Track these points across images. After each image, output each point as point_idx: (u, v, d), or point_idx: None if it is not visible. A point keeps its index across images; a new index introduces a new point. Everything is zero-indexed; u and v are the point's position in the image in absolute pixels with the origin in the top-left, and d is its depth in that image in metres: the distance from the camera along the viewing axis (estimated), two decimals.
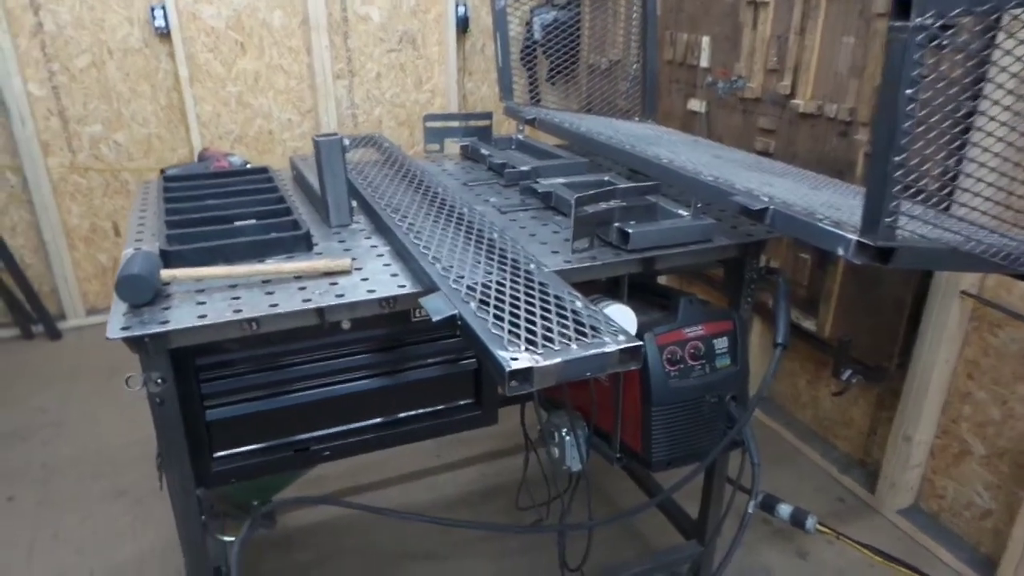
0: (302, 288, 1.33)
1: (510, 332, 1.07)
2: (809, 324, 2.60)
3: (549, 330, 1.09)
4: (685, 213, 1.62)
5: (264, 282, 1.36)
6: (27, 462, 2.73)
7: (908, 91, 1.15)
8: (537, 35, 3.94)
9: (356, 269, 1.43)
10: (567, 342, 1.05)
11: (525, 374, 0.99)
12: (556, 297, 1.20)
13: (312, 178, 1.83)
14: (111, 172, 3.70)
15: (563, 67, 3.91)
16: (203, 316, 1.22)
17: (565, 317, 1.13)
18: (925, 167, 1.26)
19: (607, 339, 1.06)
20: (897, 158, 1.20)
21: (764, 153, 2.64)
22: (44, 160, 3.53)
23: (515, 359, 1.00)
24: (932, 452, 2.40)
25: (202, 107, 3.75)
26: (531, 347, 1.03)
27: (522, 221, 1.72)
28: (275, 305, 1.26)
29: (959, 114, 1.91)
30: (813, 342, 2.66)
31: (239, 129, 3.86)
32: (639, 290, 1.77)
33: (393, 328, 1.49)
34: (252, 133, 3.90)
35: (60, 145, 3.56)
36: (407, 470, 2.70)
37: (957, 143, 1.98)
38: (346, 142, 1.61)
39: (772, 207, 1.47)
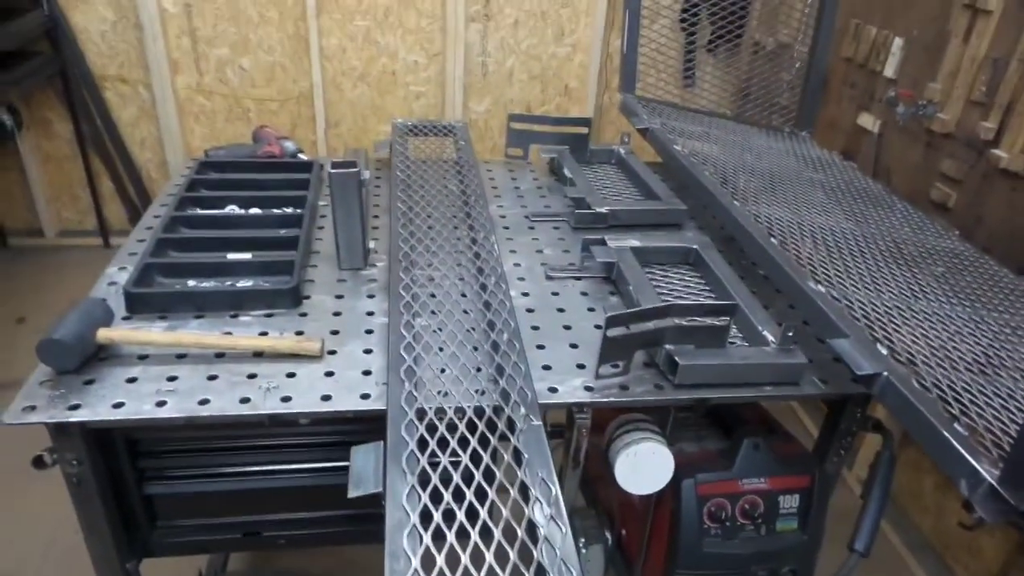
0: (252, 377, 1.11)
1: (425, 557, 0.79)
2: None
3: (479, 561, 0.79)
4: (772, 338, 1.21)
5: (217, 356, 1.15)
6: None
7: None
8: None
9: (330, 352, 1.18)
10: None
11: None
12: (521, 487, 0.89)
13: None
14: (234, 97, 3.66)
15: (726, 35, 3.34)
16: (120, 405, 1.03)
17: (513, 536, 0.83)
18: None
19: None
20: None
21: (940, 206, 2.05)
22: (172, 79, 3.54)
23: None
24: None
25: (327, 40, 3.58)
26: None
27: (567, 297, 1.38)
28: (206, 402, 1.05)
29: None
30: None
31: (362, 67, 3.67)
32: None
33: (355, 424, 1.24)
34: (375, 72, 3.70)
35: (188, 65, 3.55)
36: None
37: None
38: (365, 175, 1.33)
39: (885, 375, 1.04)
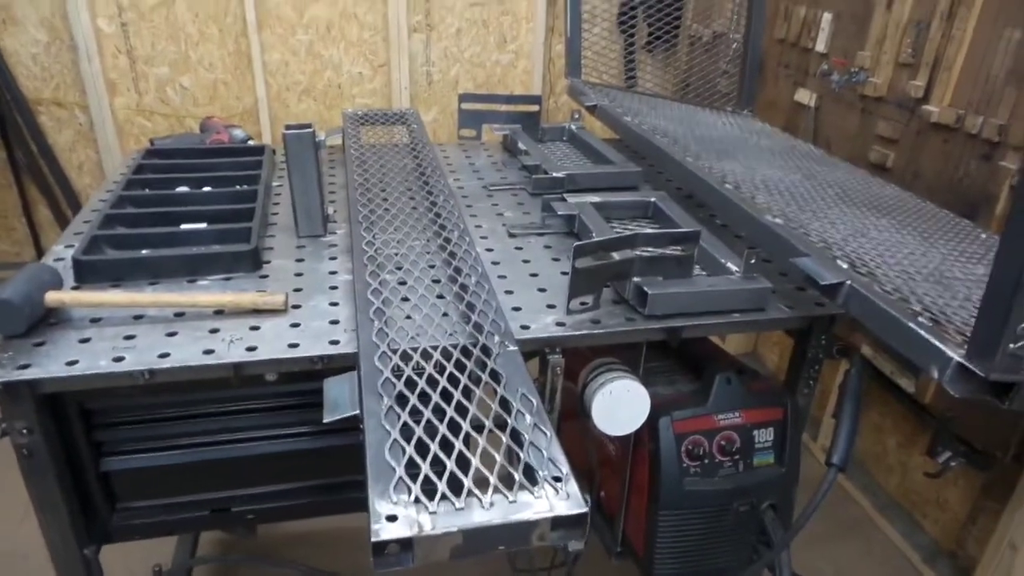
0: (214, 331, 1.07)
1: (410, 464, 0.76)
2: (906, 383, 2.13)
3: (465, 466, 0.77)
4: (735, 268, 1.23)
5: (177, 315, 1.11)
6: None
7: None
8: None
9: (294, 307, 1.15)
10: (480, 495, 0.73)
11: (402, 546, 0.69)
12: (501, 402, 0.88)
13: None
14: (176, 117, 3.60)
15: (664, 35, 3.44)
16: (74, 363, 0.98)
17: (498, 442, 0.81)
18: None
19: (536, 496, 0.73)
20: None
21: (879, 167, 2.13)
22: (110, 100, 3.46)
23: (392, 518, 0.70)
24: None
25: (270, 55, 3.55)
26: (425, 500, 0.72)
27: (530, 250, 1.38)
28: (166, 355, 1.01)
29: None
30: (909, 404, 2.18)
31: (307, 80, 3.65)
32: (664, 346, 1.40)
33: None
34: (320, 86, 3.68)
35: (127, 85, 3.48)
36: None
37: None
38: (320, 136, 1.32)
39: (848, 283, 1.07)
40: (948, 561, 2.20)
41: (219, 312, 1.12)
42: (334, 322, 1.11)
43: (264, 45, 3.51)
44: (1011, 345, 0.83)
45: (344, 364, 1.03)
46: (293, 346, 1.04)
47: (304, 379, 1.15)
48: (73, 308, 1.09)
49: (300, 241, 1.39)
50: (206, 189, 1.50)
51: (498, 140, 2.02)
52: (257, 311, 1.12)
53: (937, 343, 0.91)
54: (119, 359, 0.99)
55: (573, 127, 2.00)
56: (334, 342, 1.06)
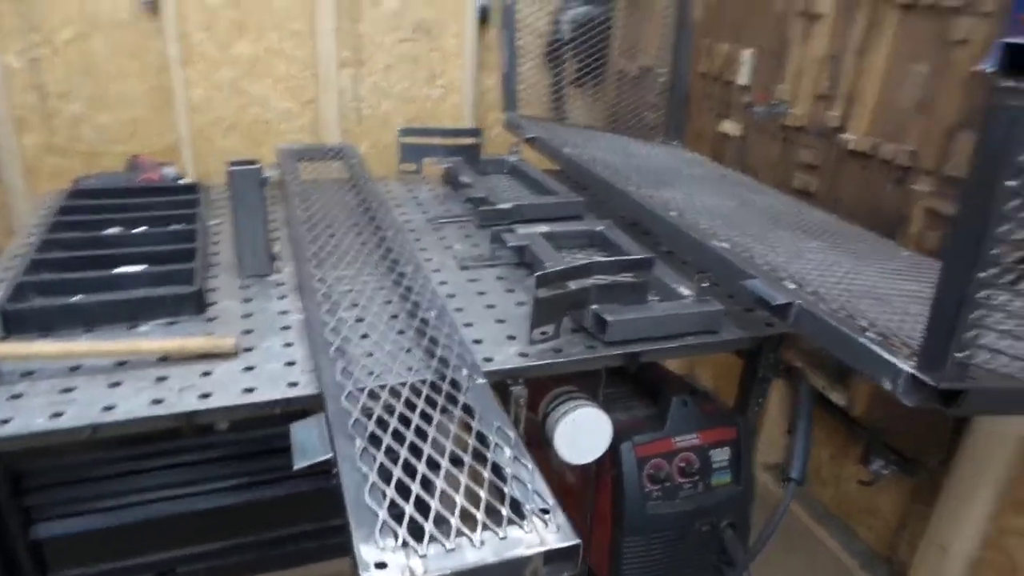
0: (162, 379, 1.01)
1: (392, 506, 0.74)
2: (837, 397, 2.22)
3: (450, 504, 0.75)
4: (687, 292, 1.26)
5: (119, 364, 1.04)
6: None
7: (1012, 183, 0.78)
8: (566, 32, 3.56)
9: (245, 350, 1.10)
10: (468, 533, 0.71)
11: None
12: (479, 437, 0.86)
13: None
14: (93, 155, 3.43)
15: (591, 70, 3.54)
16: (6, 421, 0.91)
17: (480, 478, 0.80)
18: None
19: (526, 531, 0.72)
20: (984, 273, 0.83)
21: (803, 192, 2.24)
22: (18, 138, 3.27)
23: (382, 565, 0.67)
24: (973, 565, 2.01)
25: (193, 91, 3.45)
26: (412, 541, 0.70)
27: (484, 283, 1.38)
28: (111, 408, 0.94)
29: None
30: (841, 417, 2.27)
31: (232, 117, 3.56)
32: (621, 373, 1.41)
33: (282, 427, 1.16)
34: (246, 122, 3.59)
35: (37, 122, 3.30)
36: None
37: None
38: (266, 173, 1.28)
39: (798, 303, 1.11)
40: (884, 567, 2.29)
41: (165, 359, 1.06)
42: (290, 363, 1.07)
43: (187, 81, 3.40)
44: (957, 355, 0.88)
45: (304, 407, 1.00)
46: (249, 391, 1.00)
47: (257, 426, 1.10)
48: (1, 362, 1.01)
49: (245, 281, 1.34)
50: (141, 229, 1.43)
51: (439, 174, 2.02)
52: (206, 356, 1.07)
53: (889, 356, 0.96)
54: (57, 415, 0.92)
55: (513, 159, 2.02)
56: (293, 384, 1.02)
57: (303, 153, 1.97)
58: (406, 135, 1.93)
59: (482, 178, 1.92)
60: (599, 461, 1.25)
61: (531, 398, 1.23)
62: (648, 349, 1.17)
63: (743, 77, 2.48)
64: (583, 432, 1.19)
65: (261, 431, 1.13)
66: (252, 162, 1.27)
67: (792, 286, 1.16)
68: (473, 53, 3.82)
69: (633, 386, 1.42)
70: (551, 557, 0.70)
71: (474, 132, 1.96)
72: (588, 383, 1.28)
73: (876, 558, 2.32)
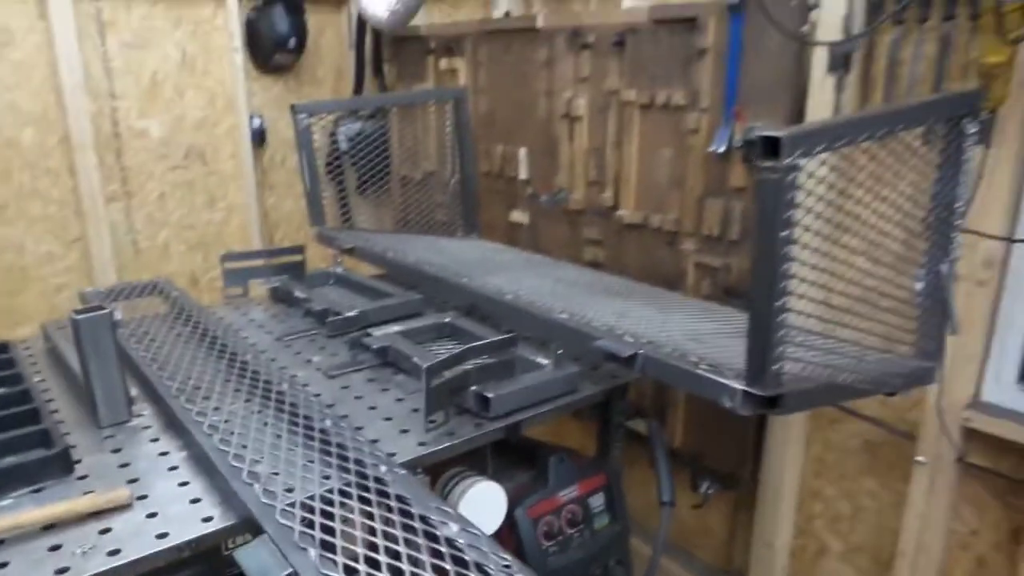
0: (55, 548, 0.94)
1: None
2: None
3: None
4: (544, 361, 1.43)
5: None
6: None
7: (785, 233, 1.06)
8: (343, 146, 3.73)
9: (139, 498, 1.05)
10: None
11: None
12: (423, 520, 0.93)
13: (73, 356, 1.41)
14: None
15: (373, 179, 3.72)
16: None
17: (439, 554, 0.86)
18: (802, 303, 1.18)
19: None
20: (779, 302, 1.10)
21: (594, 263, 2.58)
22: None
23: None
24: (793, 553, 2.36)
25: None
26: None
27: (357, 387, 1.43)
28: None
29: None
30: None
31: None
32: (499, 445, 1.53)
33: (198, 567, 1.11)
34: None
35: None
36: None
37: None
38: (118, 315, 1.24)
39: (641, 352, 1.33)
40: None
41: (50, 527, 0.98)
42: (195, 500, 1.04)
43: None
44: (773, 368, 1.14)
45: (217, 542, 0.98)
46: (163, 536, 0.96)
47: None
48: None
49: (103, 432, 1.25)
50: None
51: (265, 295, 2.03)
52: (98, 513, 1.00)
53: (724, 380, 1.19)
54: None
55: (339, 270, 2.10)
56: (208, 519, 0.99)
57: (112, 294, 1.86)
58: (228, 260, 1.92)
59: (313, 291, 1.96)
60: (497, 532, 1.34)
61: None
62: (527, 416, 1.31)
63: (523, 172, 2.82)
64: (482, 506, 1.28)
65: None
66: (100, 307, 1.22)
67: (631, 339, 1.38)
68: (252, 174, 3.83)
69: (510, 456, 1.54)
70: None
71: (298, 250, 2.01)
72: (475, 460, 1.38)
73: (715, 572, 2.61)
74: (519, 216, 2.89)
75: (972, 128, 1.34)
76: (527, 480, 1.45)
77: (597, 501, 1.48)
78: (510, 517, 1.35)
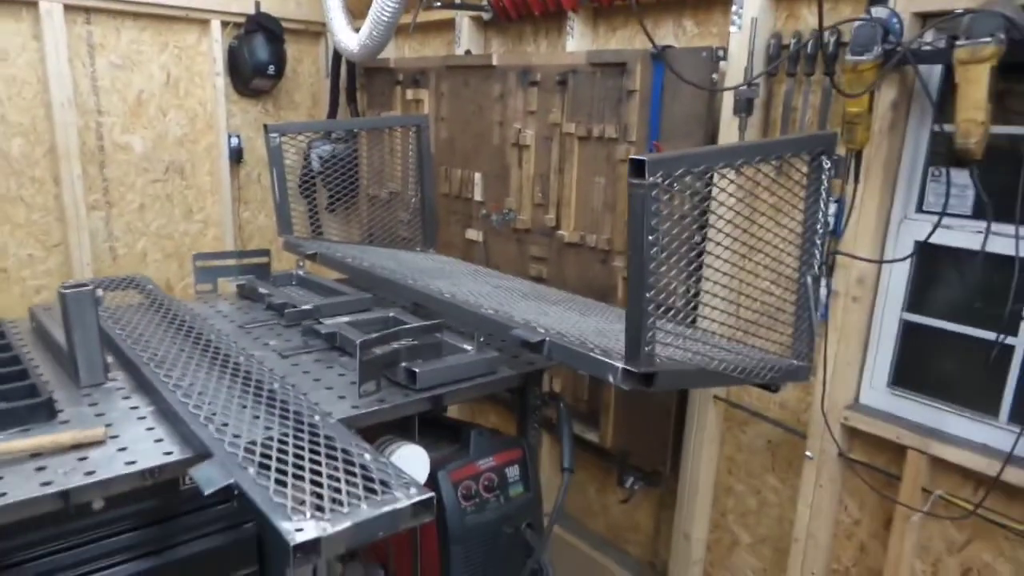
0: (41, 468, 1.14)
1: (294, 498, 1.00)
2: (592, 436, 2.75)
3: (338, 490, 1.03)
4: (470, 348, 1.66)
5: None
6: None
7: (650, 236, 1.31)
8: (315, 166, 3.97)
9: (112, 437, 1.26)
10: (357, 502, 1.00)
11: (312, 545, 0.92)
12: (344, 451, 1.15)
13: (58, 332, 1.62)
14: None
15: (342, 197, 3.96)
16: None
17: (354, 474, 1.09)
18: (673, 294, 1.43)
19: (398, 494, 1.03)
20: (649, 294, 1.35)
21: (538, 278, 2.84)
22: None
23: (300, 529, 0.93)
24: (709, 546, 2.59)
25: None
26: (318, 513, 0.97)
27: (305, 365, 1.66)
28: (3, 495, 1.06)
29: (693, 242, 2.23)
30: (598, 453, 2.80)
31: None
32: (428, 424, 1.76)
33: (159, 500, 1.31)
34: None
35: None
36: None
37: (695, 268, 2.29)
38: (99, 293, 1.46)
39: (548, 339, 1.57)
40: (650, 571, 2.80)
41: (37, 455, 1.19)
42: (159, 440, 1.26)
43: None
44: (646, 349, 1.38)
45: (175, 475, 1.19)
46: (131, 463, 1.17)
47: (131, 501, 1.25)
48: None
49: (83, 391, 1.46)
50: None
51: (233, 291, 2.24)
52: (77, 447, 1.21)
53: (608, 360, 1.44)
54: None
55: (301, 272, 2.32)
56: (168, 453, 1.21)
57: (93, 285, 2.06)
58: (200, 259, 2.14)
59: (277, 289, 2.19)
60: None
61: None
62: (450, 391, 1.54)
63: (478, 194, 3.08)
64: (409, 466, 1.50)
65: (137, 505, 1.27)
66: (84, 284, 1.44)
67: (542, 331, 1.62)
68: (229, 189, 4.05)
69: (437, 432, 1.77)
70: (416, 507, 1.02)
71: (264, 252, 2.24)
72: (405, 432, 1.61)
73: (644, 565, 2.83)
74: (473, 234, 3.15)
75: (827, 164, 1.61)
76: (450, 451, 1.68)
77: (513, 472, 1.70)
78: (433, 479, 1.57)
